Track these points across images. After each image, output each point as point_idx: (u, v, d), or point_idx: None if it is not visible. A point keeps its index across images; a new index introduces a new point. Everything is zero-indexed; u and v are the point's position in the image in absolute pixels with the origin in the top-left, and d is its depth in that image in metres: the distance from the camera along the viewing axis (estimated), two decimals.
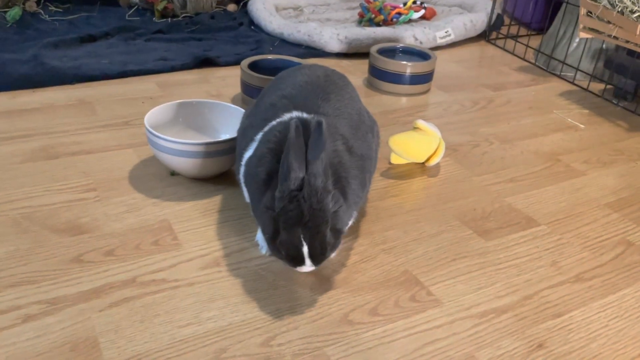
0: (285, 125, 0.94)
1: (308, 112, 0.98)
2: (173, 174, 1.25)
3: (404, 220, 1.18)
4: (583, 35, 1.81)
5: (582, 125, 1.67)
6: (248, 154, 1.00)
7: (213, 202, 1.17)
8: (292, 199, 0.86)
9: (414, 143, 1.33)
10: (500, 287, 1.01)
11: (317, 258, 0.87)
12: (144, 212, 1.12)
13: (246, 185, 1.01)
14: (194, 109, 1.32)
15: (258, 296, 0.94)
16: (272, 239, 0.88)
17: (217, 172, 1.23)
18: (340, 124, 1.01)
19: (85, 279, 0.95)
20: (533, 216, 1.22)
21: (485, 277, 1.03)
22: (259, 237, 1.06)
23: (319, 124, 0.90)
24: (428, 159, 1.35)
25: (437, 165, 1.39)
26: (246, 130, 1.07)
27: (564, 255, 1.11)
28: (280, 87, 1.08)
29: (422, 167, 1.37)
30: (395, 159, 1.37)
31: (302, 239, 0.84)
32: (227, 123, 1.31)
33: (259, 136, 0.99)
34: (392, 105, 1.70)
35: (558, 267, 1.07)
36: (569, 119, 1.71)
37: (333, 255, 0.92)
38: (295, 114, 0.97)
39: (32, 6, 2.16)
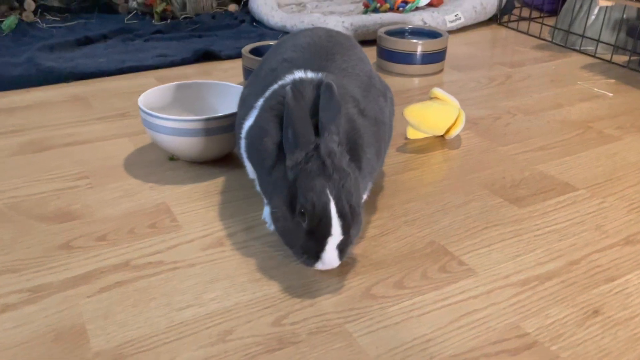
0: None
1: (313, 71, 0.88)
2: (172, 158, 1.15)
3: (426, 192, 1.06)
4: (603, 2, 1.70)
5: (610, 94, 1.56)
6: (248, 123, 0.90)
7: (215, 184, 1.07)
8: (308, 159, 0.76)
9: (432, 113, 1.22)
10: (541, 254, 0.89)
11: (346, 217, 0.74)
12: (140, 197, 1.02)
13: (250, 159, 0.91)
14: (192, 91, 1.22)
15: (267, 274, 0.83)
16: (289, 209, 0.76)
17: (219, 153, 1.13)
18: (349, 85, 0.91)
19: (73, 265, 0.85)
20: (569, 182, 1.10)
21: (523, 244, 0.91)
22: (266, 214, 0.96)
23: (329, 85, 0.80)
24: (447, 131, 1.24)
25: (458, 138, 1.28)
26: (245, 99, 0.97)
27: (608, 219, 0.98)
28: (280, 52, 0.99)
29: (441, 141, 1.26)
30: (411, 133, 1.26)
31: (328, 193, 0.74)
32: (229, 104, 1.21)
33: (259, 103, 0.89)
34: (403, 86, 1.60)
35: (604, 230, 0.95)
36: (596, 89, 1.59)
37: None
38: (298, 74, 0.87)
39: (29, 16, 2.11)
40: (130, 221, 0.95)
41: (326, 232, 0.74)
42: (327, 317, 0.75)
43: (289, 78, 0.87)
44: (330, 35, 1.00)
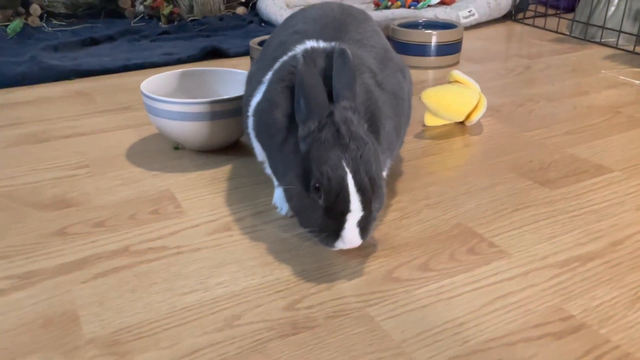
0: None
1: (325, 40, 0.82)
2: (177, 147, 1.09)
3: (448, 176, 0.99)
4: None
5: (637, 82, 1.48)
6: (256, 99, 0.83)
7: (222, 172, 1.00)
8: (322, 128, 0.69)
9: (451, 97, 1.15)
10: (580, 235, 0.81)
11: (366, 191, 0.67)
12: (142, 184, 0.96)
13: (258, 138, 0.84)
14: (197, 78, 1.16)
15: (279, 258, 0.76)
16: (303, 185, 0.69)
17: (226, 140, 1.07)
18: (365, 56, 0.85)
19: (67, 251, 0.78)
20: (603, 164, 1.02)
21: (559, 225, 0.83)
22: (277, 197, 0.88)
23: (342, 51, 0.74)
24: (468, 116, 1.17)
25: (479, 124, 1.20)
26: (252, 76, 0.91)
27: None
28: (290, 25, 0.93)
29: (461, 127, 1.19)
30: (429, 120, 1.19)
31: (345, 165, 0.66)
32: (235, 91, 1.14)
33: (267, 77, 0.82)
34: (417, 78, 1.53)
35: None
36: (621, 77, 1.51)
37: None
38: (309, 44, 0.81)
39: (34, 21, 2.09)
40: (130, 208, 0.88)
41: (345, 209, 0.66)
42: (345, 301, 0.68)
43: (299, 48, 0.81)
44: (343, 8, 0.93)
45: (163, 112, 1.00)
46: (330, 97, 0.72)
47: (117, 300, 0.68)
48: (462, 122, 1.19)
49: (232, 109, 1.01)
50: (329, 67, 0.75)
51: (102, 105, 1.33)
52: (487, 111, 1.23)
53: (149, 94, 1.01)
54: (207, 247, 0.78)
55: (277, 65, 0.82)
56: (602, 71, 1.57)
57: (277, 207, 0.88)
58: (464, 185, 0.95)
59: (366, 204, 0.67)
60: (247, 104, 0.87)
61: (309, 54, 0.77)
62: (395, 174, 0.99)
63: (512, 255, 0.76)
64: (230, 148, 1.09)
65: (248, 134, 0.88)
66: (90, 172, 1.00)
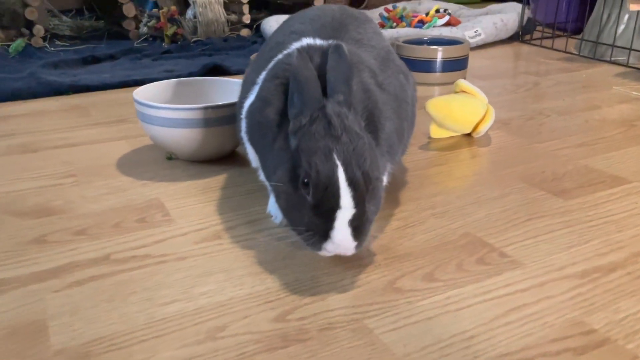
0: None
1: (322, 39, 0.77)
2: (170, 157, 1.04)
3: (455, 186, 0.93)
4: (634, 7, 1.60)
5: None
6: (249, 100, 0.79)
7: (215, 181, 0.95)
8: (313, 121, 0.64)
9: (458, 106, 1.10)
10: (599, 245, 0.74)
11: (358, 186, 0.60)
12: (130, 193, 0.90)
13: (251, 140, 0.79)
14: (193, 88, 1.12)
15: (271, 267, 0.70)
16: (292, 182, 0.63)
17: (220, 149, 1.02)
18: (365, 56, 0.80)
19: (44, 259, 0.72)
20: (619, 175, 0.96)
21: (576, 235, 0.77)
22: (272, 206, 0.83)
23: (337, 46, 0.70)
24: (475, 127, 1.12)
25: (486, 136, 1.15)
26: (247, 77, 0.87)
27: None
28: (287, 26, 0.89)
29: (468, 139, 1.14)
30: (435, 131, 1.14)
31: (335, 158, 0.61)
32: (233, 99, 1.11)
33: (261, 77, 0.78)
34: (422, 95, 1.49)
35: None
36: (634, 92, 1.46)
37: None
38: (305, 41, 0.77)
39: (38, 42, 2.07)
40: (116, 216, 0.83)
41: (334, 204, 0.60)
42: (342, 312, 0.61)
43: (295, 45, 0.76)
44: (343, 9, 0.90)
45: (155, 118, 0.96)
46: (325, 94, 0.67)
47: (91, 310, 0.62)
48: (469, 134, 1.14)
49: (226, 115, 0.96)
50: (325, 65, 0.70)
51: (96, 118, 1.29)
52: (495, 124, 1.17)
53: (140, 100, 0.97)
54: (193, 256, 0.72)
55: (271, 64, 0.78)
56: (614, 87, 1.52)
57: (271, 216, 0.82)
58: (472, 195, 0.89)
59: (359, 200, 0.61)
60: (241, 106, 0.82)
61: (304, 50, 0.73)
62: (398, 183, 0.93)
63: (526, 265, 0.70)
64: (225, 158, 1.04)
65: (241, 138, 0.83)
66: (76, 181, 0.95)
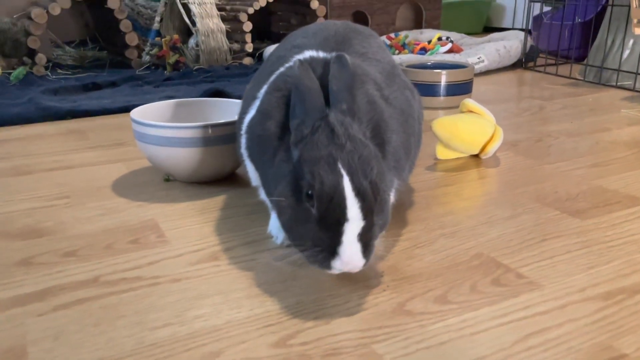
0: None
1: (325, 51, 0.75)
2: (168, 179, 1.00)
3: (465, 206, 0.89)
4: (639, 31, 1.58)
5: None
6: (249, 116, 0.76)
7: (214, 202, 0.91)
8: (315, 130, 0.60)
9: (465, 126, 1.06)
10: (621, 265, 0.70)
11: (366, 196, 0.56)
12: (124, 215, 0.86)
13: (251, 157, 0.76)
14: (193, 109, 1.09)
15: (271, 288, 0.65)
16: (295, 195, 0.59)
17: (219, 170, 0.98)
18: (370, 69, 0.77)
19: (29, 282, 0.68)
20: (636, 195, 0.92)
21: (595, 256, 0.72)
22: (273, 225, 0.79)
23: (340, 56, 0.67)
24: (483, 148, 1.08)
25: (495, 157, 1.11)
26: (247, 92, 0.84)
27: None
28: (289, 41, 0.86)
29: (476, 160, 1.10)
30: (441, 152, 1.10)
31: (340, 167, 0.57)
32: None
33: (262, 91, 0.75)
34: (426, 118, 1.46)
35: None
36: None
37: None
38: (308, 53, 0.74)
39: (40, 70, 2.07)
40: (108, 237, 0.79)
41: (341, 217, 0.56)
42: (348, 337, 0.56)
43: (296, 58, 0.73)
44: (347, 24, 0.87)
45: (152, 137, 0.93)
46: (328, 105, 0.64)
47: (76, 334, 0.57)
48: (476, 155, 1.10)
49: (225, 134, 0.93)
50: (327, 76, 0.67)
51: (94, 142, 1.26)
52: (502, 146, 1.14)
53: (137, 119, 0.94)
54: (188, 278, 0.68)
55: (272, 77, 0.75)
56: (622, 110, 1.49)
57: (272, 236, 0.78)
58: (483, 215, 0.85)
59: (367, 212, 0.56)
60: (241, 122, 0.79)
61: (307, 61, 0.70)
62: (405, 203, 0.89)
63: (545, 286, 0.65)
64: (224, 180, 1.00)
65: (241, 156, 0.79)
66: (69, 202, 0.91)
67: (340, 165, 0.57)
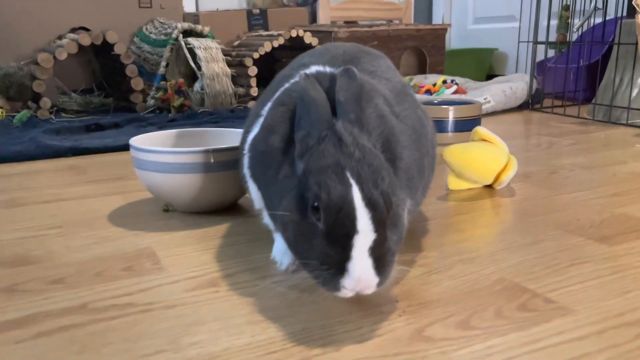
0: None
1: (331, 66, 0.71)
2: (167, 209, 0.96)
3: (482, 234, 0.83)
4: None
5: None
6: (253, 134, 0.72)
7: (214, 230, 0.86)
8: (321, 140, 0.56)
9: (477, 155, 1.02)
10: None
11: (377, 206, 0.51)
12: (119, 243, 0.81)
13: (253, 176, 0.71)
14: (194, 139, 1.06)
15: (275, 314, 0.59)
16: (300, 210, 0.55)
17: (221, 199, 0.93)
18: (379, 86, 0.74)
19: (11, 308, 0.62)
20: None
21: (629, 281, 0.66)
22: (277, 250, 0.73)
23: (347, 69, 0.64)
24: (497, 178, 1.04)
25: (509, 188, 1.06)
26: (251, 112, 0.80)
27: None
28: (296, 62, 0.83)
29: (489, 190, 1.05)
30: (453, 183, 1.05)
31: (349, 176, 0.52)
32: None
33: (266, 108, 0.71)
34: None
35: None
36: None
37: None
38: (314, 68, 0.71)
39: (44, 114, 2.06)
40: (99, 265, 0.73)
41: (349, 228, 0.50)
42: None
43: (302, 73, 0.70)
44: (356, 45, 0.85)
45: (151, 164, 0.89)
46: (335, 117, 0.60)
47: None
48: (489, 186, 1.06)
49: (227, 160, 0.89)
50: (334, 89, 0.64)
51: (92, 177, 1.22)
52: (515, 177, 1.09)
53: (135, 145, 0.90)
54: (184, 304, 0.62)
55: (277, 94, 0.71)
56: (637, 145, 1.45)
57: (276, 262, 0.72)
58: (503, 242, 0.79)
59: (379, 223, 0.51)
60: (244, 141, 0.75)
61: (313, 75, 0.67)
62: (418, 230, 0.83)
63: (578, 311, 0.59)
64: (226, 209, 0.95)
65: (244, 176, 0.75)
66: (62, 232, 0.86)
67: (348, 174, 0.52)
